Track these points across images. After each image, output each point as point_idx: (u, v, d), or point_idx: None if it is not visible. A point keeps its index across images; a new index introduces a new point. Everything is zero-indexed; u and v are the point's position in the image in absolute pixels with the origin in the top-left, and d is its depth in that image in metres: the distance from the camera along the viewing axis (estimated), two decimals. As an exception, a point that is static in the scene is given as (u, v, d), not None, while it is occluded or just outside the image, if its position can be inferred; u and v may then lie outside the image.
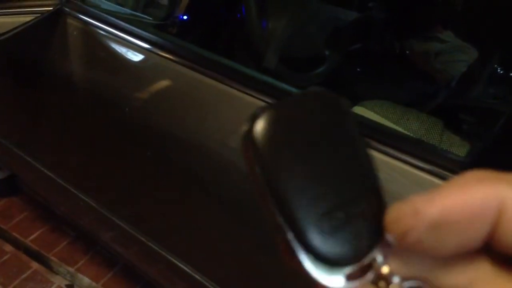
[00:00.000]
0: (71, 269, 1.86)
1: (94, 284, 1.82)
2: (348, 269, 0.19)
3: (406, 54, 1.78)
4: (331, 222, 0.19)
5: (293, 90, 1.08)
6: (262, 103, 1.00)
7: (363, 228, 0.19)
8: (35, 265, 1.87)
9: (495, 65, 1.54)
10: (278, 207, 0.18)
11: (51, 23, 1.34)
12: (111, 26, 1.26)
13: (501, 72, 1.58)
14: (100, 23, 1.28)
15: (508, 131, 0.77)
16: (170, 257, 1.32)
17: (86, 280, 1.83)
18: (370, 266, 0.19)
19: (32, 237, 1.97)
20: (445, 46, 1.69)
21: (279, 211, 0.19)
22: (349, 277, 0.19)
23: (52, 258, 1.90)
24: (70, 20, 1.33)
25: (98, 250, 1.92)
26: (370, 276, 0.19)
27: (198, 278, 1.27)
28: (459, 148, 1.09)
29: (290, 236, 0.19)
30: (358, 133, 0.20)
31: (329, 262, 0.19)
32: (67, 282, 1.82)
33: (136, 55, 1.24)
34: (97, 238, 1.80)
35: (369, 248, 0.19)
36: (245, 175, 1.02)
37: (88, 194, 1.52)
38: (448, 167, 0.79)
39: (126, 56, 1.27)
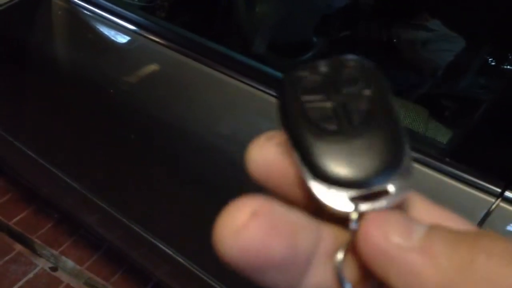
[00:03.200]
0: (55, 252, 1.86)
1: (78, 267, 1.82)
2: (353, 192, 0.18)
3: (393, 42, 1.78)
4: (336, 139, 0.19)
5: (280, 75, 1.08)
6: (250, 88, 1.00)
7: (375, 148, 0.19)
8: (18, 247, 1.86)
9: (482, 55, 1.55)
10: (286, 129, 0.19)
11: (35, 2, 1.32)
12: (97, 7, 1.24)
13: (488, 61, 1.59)
14: (86, 3, 1.26)
15: (488, 119, 0.79)
16: (154, 241, 1.32)
17: (70, 263, 1.83)
18: (381, 194, 0.18)
19: (15, 219, 1.95)
20: (432, 35, 1.69)
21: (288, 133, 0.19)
22: (355, 201, 0.18)
23: (36, 240, 1.89)
24: (54, 0, 1.30)
25: (82, 233, 1.91)
26: (381, 204, 0.18)
27: (181, 261, 1.28)
28: (444, 137, 1.10)
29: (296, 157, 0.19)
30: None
31: (330, 181, 0.18)
32: (50, 265, 1.82)
33: (122, 37, 1.22)
34: (81, 221, 1.80)
35: (378, 174, 0.18)
36: (231, 160, 1.03)
37: (72, 177, 1.51)
38: (432, 154, 0.80)
39: (112, 38, 1.25)
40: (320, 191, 0.18)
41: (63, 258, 1.84)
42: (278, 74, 1.05)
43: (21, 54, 1.44)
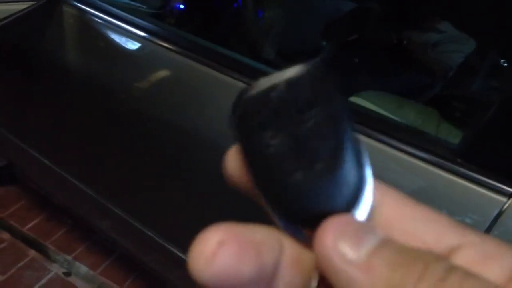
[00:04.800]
0: (68, 257, 1.87)
1: (91, 272, 1.83)
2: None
3: (403, 44, 1.78)
4: (300, 180, 0.19)
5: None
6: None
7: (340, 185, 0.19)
8: (32, 253, 1.88)
9: (493, 56, 1.54)
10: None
11: (47, 11, 1.34)
12: (108, 14, 1.25)
13: (498, 62, 1.58)
14: (97, 11, 1.27)
15: (498, 119, 0.78)
16: (167, 246, 1.33)
17: (83, 268, 1.84)
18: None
19: (29, 225, 1.97)
20: (442, 37, 1.69)
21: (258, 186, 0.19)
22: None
23: (50, 246, 1.91)
24: (66, 8, 1.32)
25: (96, 239, 1.93)
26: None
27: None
28: (455, 138, 1.10)
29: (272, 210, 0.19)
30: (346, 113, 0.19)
31: (301, 223, 0.19)
32: (64, 270, 1.83)
33: (133, 43, 1.23)
34: (94, 227, 1.81)
35: (344, 208, 0.19)
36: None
37: (85, 182, 1.52)
38: (444, 155, 0.80)
39: (123, 45, 1.26)
40: (291, 228, 0.19)
41: (77, 263, 1.86)
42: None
43: (33, 62, 1.46)
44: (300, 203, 0.19)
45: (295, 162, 0.18)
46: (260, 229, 0.20)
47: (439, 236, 0.19)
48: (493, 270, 0.17)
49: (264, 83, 0.19)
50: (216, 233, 0.19)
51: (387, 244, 0.18)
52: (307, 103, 0.19)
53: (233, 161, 0.21)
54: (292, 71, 0.19)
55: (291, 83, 0.19)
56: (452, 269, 0.16)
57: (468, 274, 0.16)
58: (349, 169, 0.19)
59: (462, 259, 0.18)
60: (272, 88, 0.19)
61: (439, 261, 0.17)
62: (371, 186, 0.19)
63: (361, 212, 0.19)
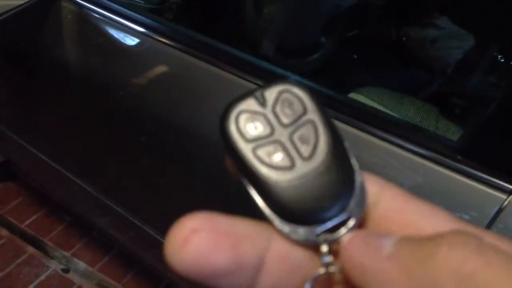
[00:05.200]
0: (66, 254, 1.87)
1: (90, 268, 1.83)
2: (318, 228, 0.19)
3: (402, 41, 1.77)
4: (292, 178, 0.19)
5: (290, 76, 1.08)
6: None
7: (330, 186, 0.19)
8: (30, 249, 1.88)
9: (492, 52, 1.54)
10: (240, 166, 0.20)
11: (44, 6, 1.33)
12: (106, 9, 1.25)
13: (498, 59, 1.58)
14: (95, 6, 1.27)
15: (498, 116, 0.78)
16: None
17: (81, 264, 1.84)
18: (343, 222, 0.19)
19: (27, 222, 1.97)
20: (441, 33, 1.69)
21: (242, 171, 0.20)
22: (321, 234, 0.19)
23: (48, 242, 1.90)
24: (64, 3, 1.31)
25: (94, 235, 1.93)
26: (346, 228, 0.19)
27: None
28: (454, 135, 1.10)
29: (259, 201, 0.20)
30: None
31: (297, 222, 0.19)
32: (62, 267, 1.83)
33: (131, 39, 1.23)
34: (92, 223, 1.81)
35: (337, 205, 0.19)
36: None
37: (83, 179, 1.52)
38: (443, 152, 0.80)
39: (121, 40, 1.26)
40: (282, 226, 0.19)
41: (75, 260, 1.86)
42: (288, 74, 1.05)
43: (31, 58, 1.45)
44: (290, 201, 0.19)
45: (281, 162, 0.19)
46: (244, 222, 0.20)
47: (438, 230, 0.19)
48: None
49: (247, 96, 0.21)
50: (191, 220, 0.19)
51: (404, 238, 0.18)
52: (288, 112, 0.20)
53: (228, 163, 0.22)
54: (272, 84, 0.21)
55: (270, 93, 0.20)
56: (484, 241, 0.16)
57: (500, 249, 0.16)
58: (335, 166, 0.19)
59: None
60: (253, 98, 0.20)
61: (470, 234, 0.17)
62: (361, 181, 0.20)
63: (356, 207, 0.20)
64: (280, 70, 1.07)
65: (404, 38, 1.76)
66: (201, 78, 1.11)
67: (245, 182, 0.20)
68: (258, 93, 0.20)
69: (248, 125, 0.20)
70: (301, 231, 0.19)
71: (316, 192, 0.19)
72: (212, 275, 0.18)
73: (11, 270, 1.78)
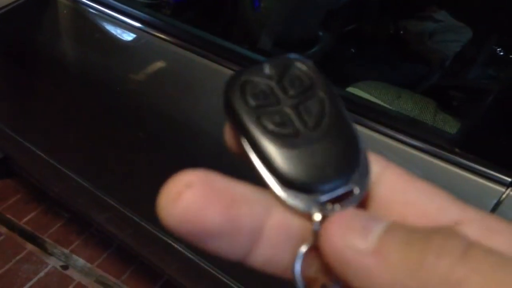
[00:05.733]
0: (65, 250, 1.87)
1: (88, 265, 1.83)
2: (318, 196, 0.19)
3: (400, 34, 1.77)
4: (295, 145, 0.19)
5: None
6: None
7: (333, 154, 0.19)
8: (29, 246, 1.87)
9: (490, 45, 1.54)
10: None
11: (40, 2, 1.32)
12: (103, 4, 1.24)
13: (496, 51, 1.58)
14: (91, 1, 1.26)
15: (496, 108, 0.78)
16: (164, 238, 1.33)
17: (81, 261, 1.84)
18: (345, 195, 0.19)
19: (26, 218, 1.97)
20: (439, 26, 1.68)
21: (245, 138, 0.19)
22: (320, 203, 0.18)
23: (47, 239, 1.90)
24: (60, -1, 1.31)
25: (93, 232, 1.92)
26: (346, 203, 0.19)
27: (192, 257, 1.28)
28: (452, 128, 1.10)
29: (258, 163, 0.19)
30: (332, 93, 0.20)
31: (296, 188, 0.19)
32: (61, 263, 1.83)
33: (128, 34, 1.23)
34: (91, 220, 1.80)
35: (341, 176, 0.19)
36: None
37: (81, 175, 1.51)
38: (441, 144, 0.80)
39: (118, 36, 1.25)
40: (284, 194, 0.19)
41: (74, 256, 1.86)
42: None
43: (27, 54, 1.45)
44: (292, 168, 0.19)
45: (285, 129, 0.19)
46: (243, 185, 0.19)
47: (441, 209, 0.19)
48: (499, 244, 0.17)
49: (253, 68, 0.20)
50: (187, 175, 0.18)
51: (396, 227, 0.17)
52: (298, 79, 0.20)
53: (228, 133, 0.21)
54: (279, 58, 0.21)
55: (283, 63, 0.20)
56: (472, 244, 0.16)
57: (489, 250, 0.16)
58: (339, 137, 0.19)
59: (469, 232, 0.17)
60: (266, 67, 0.20)
61: (458, 236, 0.16)
62: (366, 156, 0.20)
63: (360, 180, 0.19)
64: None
65: (402, 32, 1.75)
66: (199, 73, 1.11)
67: (247, 148, 0.19)
68: (266, 65, 0.20)
69: (253, 93, 0.20)
70: (302, 199, 0.19)
71: (320, 160, 0.19)
72: (204, 235, 0.18)
73: (10, 267, 1.78)
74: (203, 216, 0.17)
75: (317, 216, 0.18)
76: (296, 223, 0.19)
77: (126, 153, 1.36)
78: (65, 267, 1.82)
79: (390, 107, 1.13)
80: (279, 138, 0.19)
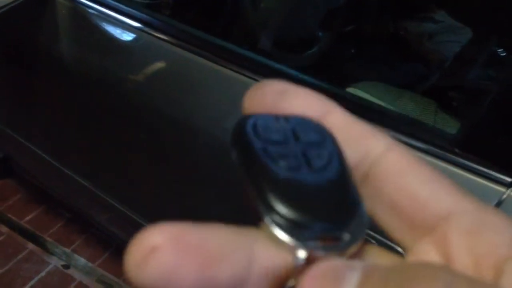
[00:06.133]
0: (67, 250, 1.87)
1: (90, 264, 1.83)
2: (308, 234, 0.18)
3: (400, 35, 1.77)
4: (295, 180, 0.18)
5: (288, 70, 1.08)
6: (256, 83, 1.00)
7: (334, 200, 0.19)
8: (30, 246, 1.88)
9: (490, 45, 1.54)
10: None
11: (39, 2, 1.32)
12: (102, 5, 1.24)
13: (496, 52, 1.58)
14: (90, 1, 1.26)
15: (496, 108, 0.78)
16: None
17: (82, 260, 1.84)
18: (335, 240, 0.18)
19: (27, 218, 1.97)
20: (439, 27, 1.68)
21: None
22: (307, 240, 0.18)
23: (48, 239, 1.91)
24: (59, -1, 1.31)
25: (94, 231, 1.93)
26: (334, 249, 0.18)
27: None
28: (452, 128, 1.10)
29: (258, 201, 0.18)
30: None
31: (285, 218, 0.18)
32: (63, 263, 1.83)
33: (128, 35, 1.23)
34: (92, 219, 1.81)
35: (335, 220, 0.18)
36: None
37: (82, 175, 1.52)
38: (441, 145, 0.80)
39: (118, 36, 1.26)
40: (274, 226, 0.18)
41: (75, 255, 1.86)
42: (286, 70, 1.05)
43: (26, 54, 1.45)
44: (286, 198, 0.18)
45: (289, 162, 0.19)
46: (220, 234, 0.17)
47: (435, 196, 0.18)
48: (488, 240, 0.16)
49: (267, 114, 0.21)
50: (152, 235, 0.16)
51: (369, 279, 0.16)
52: (308, 133, 0.20)
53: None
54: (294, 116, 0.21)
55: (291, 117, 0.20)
56: (455, 276, 0.15)
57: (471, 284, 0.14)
58: (341, 185, 0.19)
59: (460, 224, 0.17)
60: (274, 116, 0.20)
61: (436, 267, 0.15)
62: (364, 212, 0.19)
63: (352, 230, 0.18)
64: (278, 66, 1.07)
65: (401, 32, 1.76)
66: (198, 73, 1.11)
67: (243, 173, 0.19)
68: (280, 117, 0.20)
69: (264, 130, 0.19)
70: (290, 233, 0.18)
71: (316, 200, 0.18)
72: None
73: (11, 267, 1.78)
74: (176, 281, 0.15)
75: (301, 253, 0.17)
76: (280, 266, 0.17)
77: (126, 152, 1.36)
78: (66, 267, 1.82)
79: (391, 108, 1.14)
80: (280, 167, 0.19)
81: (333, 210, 0.18)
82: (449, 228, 0.17)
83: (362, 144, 0.20)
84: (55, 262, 1.83)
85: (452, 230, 0.17)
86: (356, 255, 0.18)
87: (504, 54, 1.52)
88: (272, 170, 0.19)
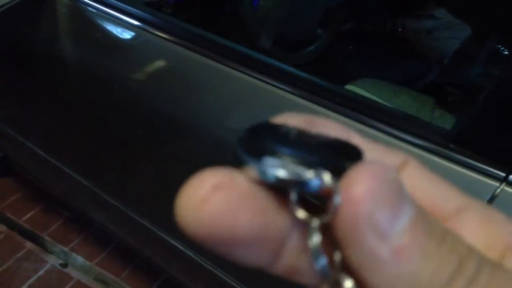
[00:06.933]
0: (65, 249, 1.87)
1: (88, 263, 1.83)
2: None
3: (399, 32, 1.77)
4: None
5: (287, 68, 1.08)
6: (257, 82, 1.00)
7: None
8: (29, 244, 1.88)
9: (487, 42, 1.54)
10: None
11: (39, 0, 1.33)
12: (102, 3, 1.24)
13: (495, 49, 1.58)
14: (90, 0, 1.26)
15: (491, 104, 0.78)
16: (164, 236, 1.33)
17: (80, 259, 1.84)
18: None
19: (26, 217, 1.97)
20: (437, 23, 1.68)
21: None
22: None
23: (46, 237, 1.91)
24: (59, -3, 1.31)
25: (92, 230, 1.93)
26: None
27: (192, 255, 1.28)
28: (450, 124, 1.10)
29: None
30: None
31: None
32: (61, 261, 1.83)
33: (128, 33, 1.23)
34: (91, 218, 1.81)
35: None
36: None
37: (81, 174, 1.52)
38: (436, 140, 0.80)
39: (118, 35, 1.25)
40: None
41: (73, 254, 1.86)
42: (286, 67, 1.05)
43: (26, 52, 1.45)
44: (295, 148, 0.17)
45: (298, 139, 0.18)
46: (262, 189, 0.17)
47: (447, 196, 0.19)
48: (496, 231, 0.18)
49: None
50: (213, 176, 0.16)
51: (422, 219, 0.16)
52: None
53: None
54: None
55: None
56: (483, 264, 0.16)
57: (496, 267, 0.16)
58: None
59: (471, 217, 0.18)
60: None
61: (472, 255, 0.16)
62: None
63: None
64: (278, 63, 1.06)
65: (400, 29, 1.75)
66: (199, 71, 1.11)
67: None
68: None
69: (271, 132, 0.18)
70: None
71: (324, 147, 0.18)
72: (232, 243, 0.16)
73: (9, 266, 1.78)
74: (234, 222, 0.15)
75: (326, 176, 0.16)
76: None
77: (126, 151, 1.36)
78: (65, 265, 1.82)
79: (388, 104, 1.13)
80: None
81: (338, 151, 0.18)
82: (462, 221, 0.19)
83: (382, 158, 0.20)
84: (53, 261, 1.83)
85: (465, 222, 0.18)
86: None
87: (503, 50, 1.52)
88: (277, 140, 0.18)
